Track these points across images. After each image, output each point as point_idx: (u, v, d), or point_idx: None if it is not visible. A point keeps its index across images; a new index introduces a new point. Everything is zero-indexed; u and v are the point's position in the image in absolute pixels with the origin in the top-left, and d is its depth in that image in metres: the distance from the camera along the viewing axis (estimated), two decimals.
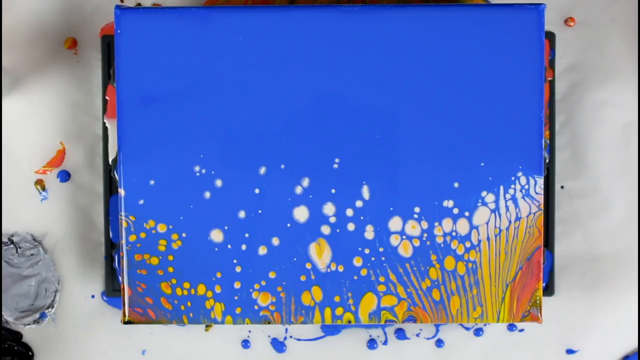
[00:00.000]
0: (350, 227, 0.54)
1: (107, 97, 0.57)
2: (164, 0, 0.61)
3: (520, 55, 0.53)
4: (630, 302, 0.62)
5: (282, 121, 0.54)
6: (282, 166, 0.54)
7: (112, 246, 0.59)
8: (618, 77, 0.61)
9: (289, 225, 0.54)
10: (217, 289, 0.55)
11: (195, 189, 0.54)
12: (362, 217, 0.54)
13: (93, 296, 0.61)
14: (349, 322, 0.55)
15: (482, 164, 0.54)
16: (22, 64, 0.60)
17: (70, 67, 0.61)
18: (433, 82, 0.53)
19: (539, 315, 0.55)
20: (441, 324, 0.62)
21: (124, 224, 0.54)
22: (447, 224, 0.54)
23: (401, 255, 0.54)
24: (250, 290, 0.55)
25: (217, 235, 0.54)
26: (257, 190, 0.54)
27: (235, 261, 0.54)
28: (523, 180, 0.54)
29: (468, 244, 0.54)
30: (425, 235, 0.54)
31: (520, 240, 0.54)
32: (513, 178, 0.54)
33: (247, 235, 0.54)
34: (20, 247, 0.60)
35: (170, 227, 0.54)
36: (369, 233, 0.54)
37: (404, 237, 0.54)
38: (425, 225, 0.54)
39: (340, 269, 0.55)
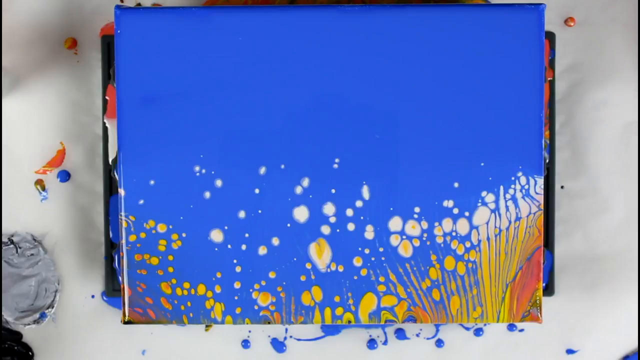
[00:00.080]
0: (350, 227, 0.54)
1: (107, 97, 0.57)
2: (164, 0, 0.61)
3: (520, 55, 0.53)
4: (630, 302, 0.62)
5: (282, 121, 0.54)
6: (282, 166, 0.54)
7: (112, 246, 0.59)
8: (618, 77, 0.61)
9: (289, 225, 0.54)
10: (217, 289, 0.55)
11: (195, 189, 0.54)
12: (362, 217, 0.54)
13: (93, 296, 0.61)
14: (349, 322, 0.55)
15: (482, 164, 0.54)
16: (22, 64, 0.60)
17: (70, 67, 0.61)
18: (433, 82, 0.53)
19: (539, 315, 0.55)
20: (441, 324, 0.62)
21: (124, 224, 0.54)
22: (447, 224, 0.54)
23: (401, 255, 0.54)
24: (250, 290, 0.55)
25: (217, 235, 0.54)
26: (257, 190, 0.54)
27: (235, 261, 0.54)
28: (523, 180, 0.54)
29: (468, 244, 0.54)
30: (425, 235, 0.54)
31: (520, 240, 0.54)
32: (513, 178, 0.54)
33: (247, 235, 0.54)
34: (20, 247, 0.60)
35: (170, 227, 0.54)
36: (369, 233, 0.54)
37: (404, 237, 0.54)
38: (425, 225, 0.54)
39: (340, 269, 0.55)
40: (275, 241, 0.54)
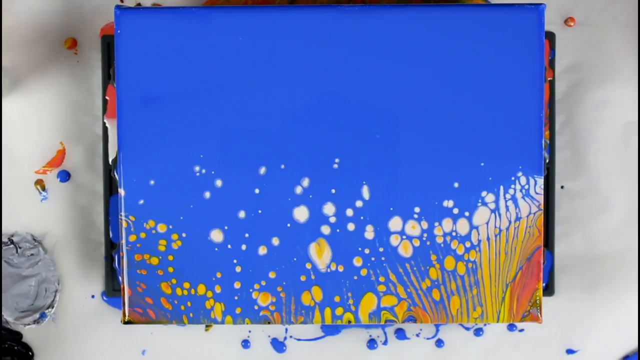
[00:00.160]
0: (350, 227, 0.54)
1: (107, 97, 0.57)
2: (164, 0, 0.61)
3: (520, 55, 0.53)
4: (630, 302, 0.62)
5: (282, 121, 0.54)
6: (282, 166, 0.54)
7: (112, 246, 0.59)
8: (618, 77, 0.61)
9: (289, 225, 0.54)
10: (217, 289, 0.55)
11: (195, 189, 0.54)
12: (362, 217, 0.54)
13: (93, 296, 0.61)
14: (349, 322, 0.55)
15: (482, 164, 0.54)
16: (22, 64, 0.60)
17: (70, 67, 0.61)
18: (433, 82, 0.53)
19: (539, 315, 0.55)
20: (441, 324, 0.62)
21: (124, 224, 0.54)
22: (447, 224, 0.54)
23: (401, 255, 0.54)
24: (250, 290, 0.55)
25: (217, 235, 0.54)
26: (257, 190, 0.54)
27: (235, 261, 0.54)
28: (523, 180, 0.54)
29: (468, 244, 0.54)
30: (425, 235, 0.54)
31: (520, 240, 0.54)
32: (513, 178, 0.54)
33: (247, 235, 0.54)
34: (20, 247, 0.60)
35: (170, 227, 0.54)
36: (369, 233, 0.54)
37: (404, 237, 0.54)
38: (425, 225, 0.54)
39: (340, 269, 0.55)
40: (275, 241, 0.54)
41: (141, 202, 0.54)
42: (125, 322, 0.55)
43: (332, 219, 0.54)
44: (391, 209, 0.54)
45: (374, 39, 0.53)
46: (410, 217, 0.54)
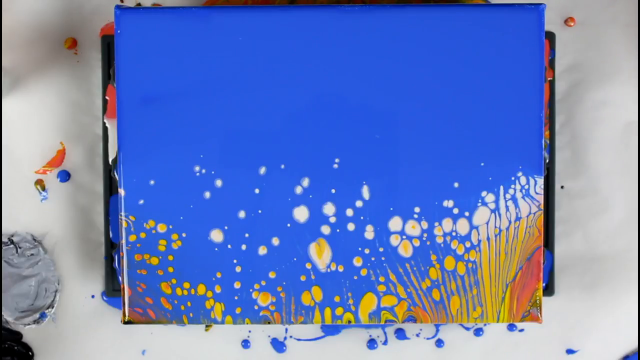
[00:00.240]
0: (350, 227, 0.54)
1: (107, 97, 0.57)
2: (164, 0, 0.61)
3: (520, 55, 0.53)
4: (630, 302, 0.62)
5: (282, 121, 0.54)
6: (282, 166, 0.54)
7: (112, 246, 0.59)
8: (618, 77, 0.61)
9: (289, 225, 0.54)
10: (217, 289, 0.55)
11: (195, 189, 0.54)
12: (362, 217, 0.54)
13: (93, 296, 0.61)
14: (349, 322, 0.55)
15: (482, 164, 0.54)
16: (22, 64, 0.60)
17: (70, 67, 0.61)
18: (433, 82, 0.53)
19: (539, 315, 0.55)
20: (441, 324, 0.62)
21: (124, 224, 0.54)
22: (447, 224, 0.54)
23: (401, 255, 0.54)
24: (250, 290, 0.55)
25: (217, 235, 0.54)
26: (257, 190, 0.54)
27: (235, 261, 0.54)
28: (523, 180, 0.54)
29: (468, 244, 0.54)
30: (425, 235, 0.54)
31: (520, 240, 0.54)
32: (513, 178, 0.54)
33: (247, 235, 0.54)
34: (20, 247, 0.60)
35: (170, 227, 0.54)
36: (369, 233, 0.54)
37: (404, 237, 0.54)
38: (425, 225, 0.54)
39: (340, 269, 0.55)
40: (275, 241, 0.54)
41: (141, 202, 0.54)
42: (125, 322, 0.55)
43: (332, 219, 0.54)
44: (391, 209, 0.54)
45: (374, 39, 0.53)
46: (410, 217, 0.54)
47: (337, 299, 0.55)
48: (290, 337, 0.62)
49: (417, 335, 0.62)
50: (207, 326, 0.62)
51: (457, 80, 0.53)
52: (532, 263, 0.55)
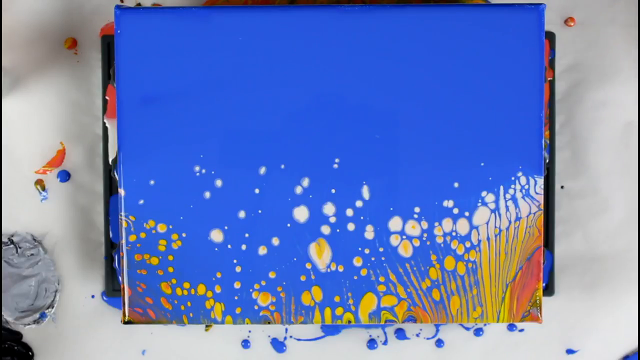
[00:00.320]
0: (350, 227, 0.54)
1: (107, 97, 0.57)
2: (164, 0, 0.61)
3: (520, 55, 0.53)
4: (630, 302, 0.62)
5: (282, 121, 0.54)
6: (282, 166, 0.54)
7: (112, 246, 0.59)
8: (618, 77, 0.61)
9: (289, 225, 0.54)
10: (217, 289, 0.55)
11: (195, 189, 0.54)
12: (362, 217, 0.54)
13: (93, 296, 0.61)
14: (349, 322, 0.55)
15: (482, 164, 0.54)
16: (22, 64, 0.60)
17: (70, 67, 0.61)
18: (433, 82, 0.53)
19: (539, 315, 0.55)
20: (441, 324, 0.62)
21: (124, 224, 0.54)
22: (447, 224, 0.54)
23: (401, 255, 0.54)
24: (250, 290, 0.55)
25: (217, 235, 0.54)
26: (257, 190, 0.54)
27: (235, 261, 0.54)
28: (523, 180, 0.54)
29: (468, 244, 0.54)
30: (425, 235, 0.54)
31: (520, 240, 0.54)
32: (513, 178, 0.54)
33: (247, 235, 0.54)
34: (20, 247, 0.60)
35: (170, 227, 0.54)
36: (369, 233, 0.54)
37: (404, 237, 0.54)
38: (425, 225, 0.54)
39: (340, 269, 0.55)
40: (275, 241, 0.54)
41: (141, 202, 0.54)
42: (125, 322, 0.55)
43: (332, 219, 0.54)
44: (391, 209, 0.54)
45: (374, 39, 0.53)
46: (410, 217, 0.54)
47: (337, 299, 0.55)
48: (290, 337, 0.62)
49: (417, 335, 0.62)
50: (207, 326, 0.62)
51: (457, 80, 0.53)
52: (532, 263, 0.55)
